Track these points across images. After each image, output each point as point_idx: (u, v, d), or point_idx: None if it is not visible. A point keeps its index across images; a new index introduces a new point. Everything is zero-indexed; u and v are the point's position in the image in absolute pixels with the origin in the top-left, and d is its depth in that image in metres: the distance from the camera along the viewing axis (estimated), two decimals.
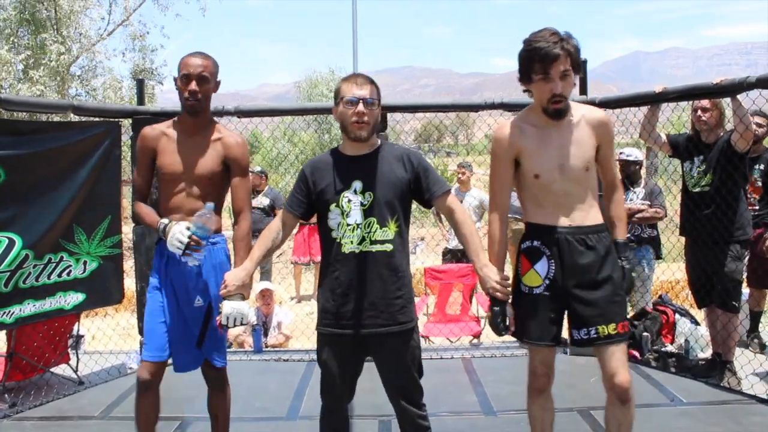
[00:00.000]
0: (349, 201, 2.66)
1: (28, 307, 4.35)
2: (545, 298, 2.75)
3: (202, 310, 3.01)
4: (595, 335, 2.71)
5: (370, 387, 3.05)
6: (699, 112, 4.57)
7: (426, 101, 6.00)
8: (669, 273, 6.68)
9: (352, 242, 2.65)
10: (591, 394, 3.97)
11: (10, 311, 4.25)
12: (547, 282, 2.74)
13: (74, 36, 15.49)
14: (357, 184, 2.67)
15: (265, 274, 8.91)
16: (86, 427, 4.03)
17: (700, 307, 4.84)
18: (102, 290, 4.83)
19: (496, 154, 2.83)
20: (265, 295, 6.50)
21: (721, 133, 4.57)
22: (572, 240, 2.71)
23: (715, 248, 4.49)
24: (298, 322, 6.93)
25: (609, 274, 2.73)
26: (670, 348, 5.23)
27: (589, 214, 2.75)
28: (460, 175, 7.88)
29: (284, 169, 16.89)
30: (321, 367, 2.78)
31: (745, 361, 4.56)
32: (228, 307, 2.85)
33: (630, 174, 5.84)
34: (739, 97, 4.23)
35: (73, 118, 4.90)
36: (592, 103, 4.58)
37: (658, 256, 5.97)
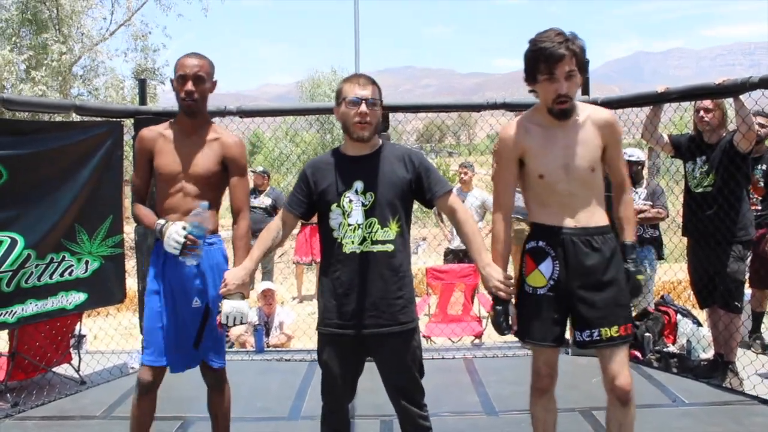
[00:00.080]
0: (351, 201, 2.66)
1: (30, 307, 4.35)
2: (549, 298, 2.74)
3: (200, 311, 3.01)
4: (597, 337, 2.70)
5: (371, 387, 3.05)
6: (701, 113, 4.56)
7: (428, 101, 6.00)
8: (671, 273, 6.68)
9: (353, 242, 2.65)
10: (593, 395, 3.97)
11: (12, 311, 4.25)
12: (552, 283, 2.73)
13: (76, 36, 15.51)
14: (358, 185, 2.67)
15: (267, 274, 8.92)
16: (88, 427, 4.03)
17: (702, 308, 4.84)
18: (104, 290, 4.83)
19: (501, 154, 2.83)
20: (267, 295, 6.51)
21: (724, 134, 4.56)
22: (577, 241, 2.70)
23: (718, 249, 4.48)
24: (299, 322, 6.93)
25: (613, 276, 2.72)
26: (672, 348, 5.23)
27: (595, 215, 2.74)
28: (462, 175, 7.87)
29: (286, 169, 16.89)
30: (322, 367, 2.78)
31: (747, 361, 4.56)
32: (228, 306, 2.86)
33: (632, 174, 5.83)
34: (741, 97, 4.22)
35: (75, 117, 4.91)
36: (594, 103, 4.57)
37: (660, 257, 5.96)
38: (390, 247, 2.66)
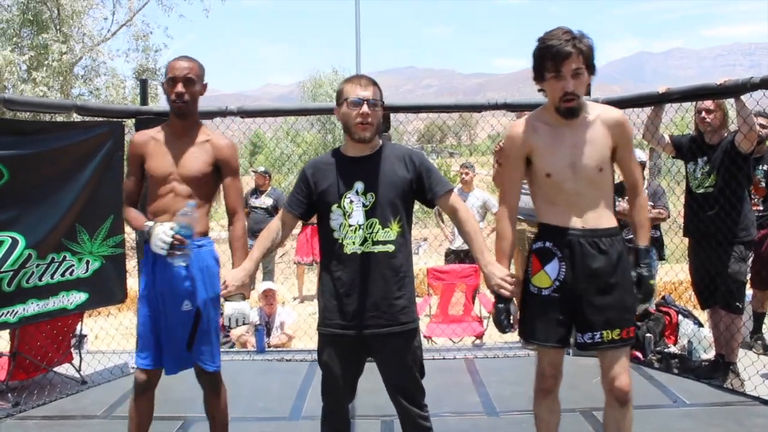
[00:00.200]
0: (351, 202, 2.66)
1: (32, 307, 4.35)
2: (554, 299, 2.72)
3: (191, 314, 3.00)
4: (599, 339, 2.70)
5: (371, 387, 3.05)
6: (703, 113, 4.56)
7: (429, 102, 6.02)
8: (672, 274, 6.67)
9: (354, 243, 2.65)
10: (593, 395, 3.95)
11: (13, 311, 4.25)
12: (557, 284, 2.72)
13: (77, 36, 15.52)
14: (359, 185, 2.67)
15: (268, 274, 8.92)
16: (89, 427, 4.04)
17: (703, 309, 4.83)
18: (105, 290, 4.83)
19: (508, 152, 2.83)
20: (268, 295, 6.51)
21: (725, 134, 4.56)
22: (585, 243, 2.68)
23: (719, 249, 4.48)
24: (300, 322, 6.93)
25: (620, 279, 2.71)
26: (673, 349, 5.23)
27: (603, 216, 2.72)
28: (463, 176, 7.87)
29: (287, 169, 16.89)
30: (322, 367, 2.78)
31: (748, 362, 4.55)
32: (229, 308, 2.87)
33: None
34: (742, 97, 4.22)
35: (76, 117, 4.91)
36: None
37: (662, 257, 5.96)
38: (391, 248, 2.66)
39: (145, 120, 4.75)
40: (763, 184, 5.15)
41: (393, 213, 2.67)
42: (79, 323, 5.18)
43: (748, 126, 4.26)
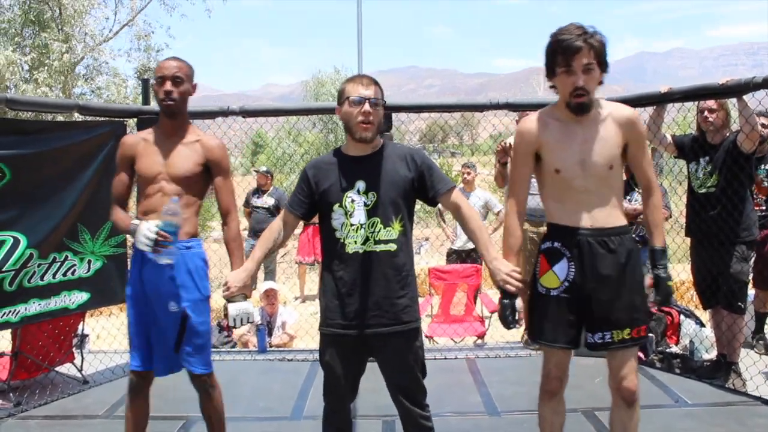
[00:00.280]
0: (353, 201, 2.66)
1: (33, 306, 4.36)
2: (563, 300, 2.71)
3: (178, 315, 2.98)
4: (609, 339, 2.68)
5: (373, 387, 3.05)
6: (705, 113, 4.55)
7: (431, 101, 6.01)
8: (674, 274, 6.64)
9: (356, 242, 2.64)
10: (595, 395, 3.96)
11: (15, 310, 4.25)
12: (566, 284, 2.70)
13: (79, 36, 15.53)
14: (360, 184, 2.67)
15: (270, 274, 8.92)
16: (91, 426, 4.04)
17: (705, 308, 4.83)
18: (106, 289, 4.83)
19: (517, 147, 2.81)
20: (270, 295, 6.51)
21: (727, 134, 4.55)
22: (593, 242, 2.67)
23: (721, 249, 4.47)
24: (302, 321, 6.94)
25: (629, 279, 2.69)
26: (674, 349, 5.22)
27: (612, 215, 2.70)
28: (465, 176, 7.87)
29: (289, 168, 16.90)
30: (323, 367, 2.77)
31: (750, 362, 4.55)
32: (233, 309, 2.88)
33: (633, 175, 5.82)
34: (744, 97, 4.22)
35: (78, 117, 4.91)
36: None
37: None
38: (393, 247, 2.65)
39: (147, 119, 4.76)
40: (766, 184, 5.15)
41: (395, 212, 2.66)
42: (81, 323, 5.19)
43: (750, 126, 4.26)
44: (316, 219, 2.82)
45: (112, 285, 4.88)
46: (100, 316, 7.80)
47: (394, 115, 5.28)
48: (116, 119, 5.00)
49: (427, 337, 6.06)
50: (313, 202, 2.75)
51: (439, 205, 2.88)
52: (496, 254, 2.70)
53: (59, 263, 4.49)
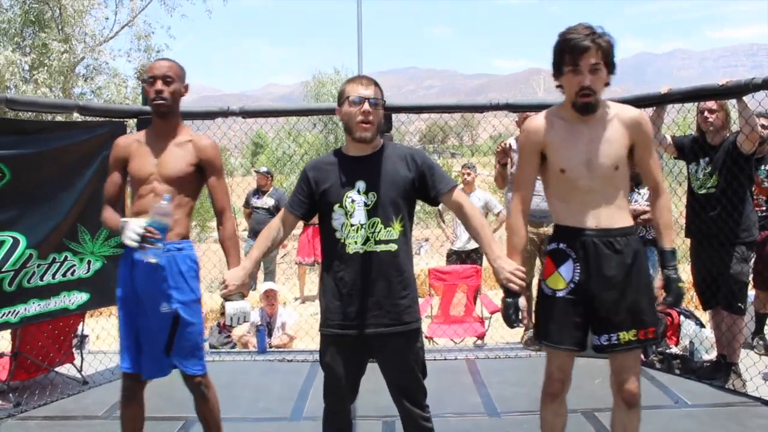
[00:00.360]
0: (353, 201, 2.66)
1: (33, 307, 4.35)
2: (569, 301, 2.70)
3: (169, 317, 2.98)
4: (615, 341, 2.67)
5: (373, 388, 3.05)
6: (705, 113, 4.55)
7: (431, 102, 6.01)
8: None
9: (356, 242, 2.64)
10: (595, 396, 3.97)
11: (14, 310, 4.25)
12: (572, 286, 2.70)
13: (79, 36, 15.54)
14: (360, 184, 2.66)
15: (270, 275, 8.93)
16: (90, 427, 4.03)
17: (705, 309, 4.83)
18: (106, 290, 4.81)
19: (523, 146, 2.82)
20: (270, 296, 6.51)
21: (727, 135, 4.55)
22: (599, 243, 2.66)
23: (721, 250, 4.47)
24: (302, 322, 6.94)
25: (635, 280, 2.68)
26: (674, 350, 5.22)
27: (617, 216, 2.69)
28: (465, 176, 7.87)
29: (289, 169, 16.91)
30: (324, 368, 2.77)
31: (750, 363, 4.55)
32: (231, 308, 2.88)
33: (635, 175, 5.82)
34: (744, 98, 4.22)
35: (77, 117, 4.91)
36: None
37: None
38: (393, 247, 2.65)
39: (147, 120, 4.73)
40: (767, 184, 5.15)
41: (395, 212, 2.66)
42: (81, 323, 5.18)
43: (750, 127, 4.26)
44: (315, 220, 2.82)
45: (112, 285, 4.79)
46: (100, 316, 7.79)
47: (394, 115, 5.28)
48: (116, 119, 4.99)
49: (426, 337, 6.06)
50: (313, 202, 2.75)
51: (439, 206, 2.87)
52: (500, 253, 2.69)
53: (59, 263, 4.49)
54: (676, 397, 4.24)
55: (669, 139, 4.86)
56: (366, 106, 2.64)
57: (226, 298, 2.90)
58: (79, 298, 4.64)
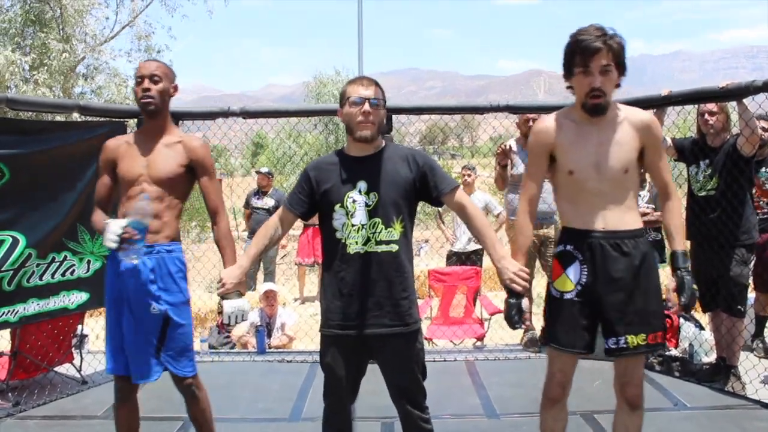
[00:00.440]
0: (354, 201, 2.66)
1: (32, 306, 4.35)
2: (576, 303, 2.70)
3: (159, 318, 2.97)
4: (624, 345, 2.66)
5: (373, 389, 3.05)
6: (706, 116, 4.55)
7: (431, 103, 6.01)
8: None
9: (357, 243, 2.64)
10: (594, 398, 3.96)
11: (14, 310, 4.25)
12: (579, 288, 2.69)
13: (79, 35, 15.55)
14: (362, 185, 2.66)
15: (269, 276, 8.92)
16: (89, 427, 4.03)
17: (705, 311, 4.83)
18: None
19: (532, 147, 2.82)
20: (269, 297, 6.51)
21: (727, 137, 4.56)
22: (606, 245, 2.65)
23: (721, 252, 4.47)
24: (301, 323, 6.93)
25: (644, 282, 2.67)
26: (674, 352, 5.22)
27: (626, 218, 2.68)
28: (465, 178, 7.87)
29: (289, 170, 16.91)
30: (324, 369, 2.77)
31: (749, 365, 4.55)
32: (228, 306, 2.88)
33: None
34: (745, 100, 4.22)
35: (77, 117, 4.91)
36: None
37: (663, 260, 5.95)
38: (394, 248, 2.65)
39: None
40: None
41: (396, 213, 2.66)
42: (80, 323, 5.18)
43: (750, 129, 4.26)
44: (315, 220, 2.82)
45: None
46: (100, 316, 7.78)
47: (394, 116, 5.28)
48: (116, 119, 4.99)
49: (426, 339, 6.06)
50: (313, 202, 2.75)
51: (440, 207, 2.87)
52: (503, 253, 2.69)
53: (58, 263, 4.49)
54: (675, 399, 4.23)
55: (669, 141, 4.86)
56: (366, 106, 2.64)
57: (224, 296, 2.89)
58: (79, 297, 4.64)
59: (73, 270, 4.58)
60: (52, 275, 4.46)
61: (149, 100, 3.00)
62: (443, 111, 5.81)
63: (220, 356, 5.57)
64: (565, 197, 2.78)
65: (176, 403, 3.87)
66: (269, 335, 6.29)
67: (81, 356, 5.04)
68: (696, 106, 4.71)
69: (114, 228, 2.82)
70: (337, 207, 2.67)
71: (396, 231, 2.66)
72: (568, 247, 2.74)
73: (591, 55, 2.55)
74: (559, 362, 2.77)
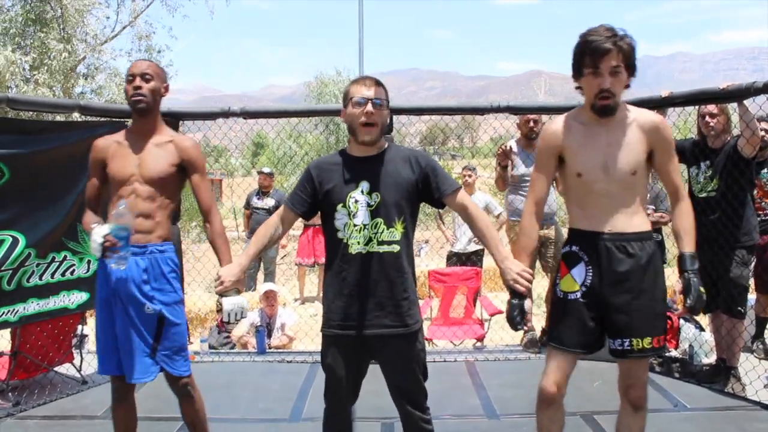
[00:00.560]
0: (356, 201, 2.65)
1: (32, 306, 4.35)
2: (581, 304, 2.69)
3: (154, 318, 2.97)
4: (629, 347, 2.66)
5: (373, 389, 3.05)
6: (707, 117, 4.55)
7: (431, 104, 6.01)
8: (674, 278, 6.65)
9: (358, 243, 2.64)
10: (594, 399, 3.96)
11: (14, 309, 4.25)
12: (584, 288, 2.69)
13: (80, 36, 15.55)
14: (364, 185, 2.66)
15: (269, 276, 8.92)
16: (89, 427, 4.03)
17: (705, 312, 4.83)
18: None
19: (540, 149, 2.82)
20: (269, 297, 6.50)
21: (728, 139, 4.56)
22: (612, 246, 2.65)
23: (721, 253, 4.47)
24: (301, 323, 6.93)
25: (650, 285, 2.67)
26: (674, 353, 5.22)
27: (633, 220, 2.68)
28: (465, 178, 7.87)
29: (289, 170, 16.90)
30: (325, 369, 2.77)
31: (749, 366, 4.54)
32: (228, 303, 2.87)
33: None
34: (745, 102, 4.22)
35: (77, 117, 4.91)
36: None
37: (663, 261, 5.95)
38: (396, 248, 2.65)
39: None
40: None
41: (398, 213, 2.66)
42: (80, 323, 5.18)
43: (751, 131, 4.26)
44: (315, 220, 2.82)
45: None
46: None
47: (394, 117, 5.28)
48: (117, 119, 4.99)
49: (426, 339, 6.05)
50: (315, 201, 2.75)
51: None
52: (507, 254, 2.70)
53: (58, 263, 4.49)
54: (675, 400, 4.23)
55: None
56: (369, 107, 2.64)
57: (222, 294, 2.89)
58: (79, 297, 4.64)
59: (73, 270, 4.58)
60: (52, 275, 4.46)
61: (140, 98, 3.00)
62: (444, 111, 5.81)
63: (220, 356, 5.57)
64: (573, 199, 2.78)
65: (175, 404, 3.87)
66: (269, 335, 6.29)
67: (81, 356, 5.04)
68: (696, 107, 4.72)
69: (95, 237, 2.82)
70: (339, 207, 2.67)
71: (398, 231, 2.66)
72: (574, 248, 2.74)
73: (601, 56, 2.54)
74: (557, 360, 2.76)
